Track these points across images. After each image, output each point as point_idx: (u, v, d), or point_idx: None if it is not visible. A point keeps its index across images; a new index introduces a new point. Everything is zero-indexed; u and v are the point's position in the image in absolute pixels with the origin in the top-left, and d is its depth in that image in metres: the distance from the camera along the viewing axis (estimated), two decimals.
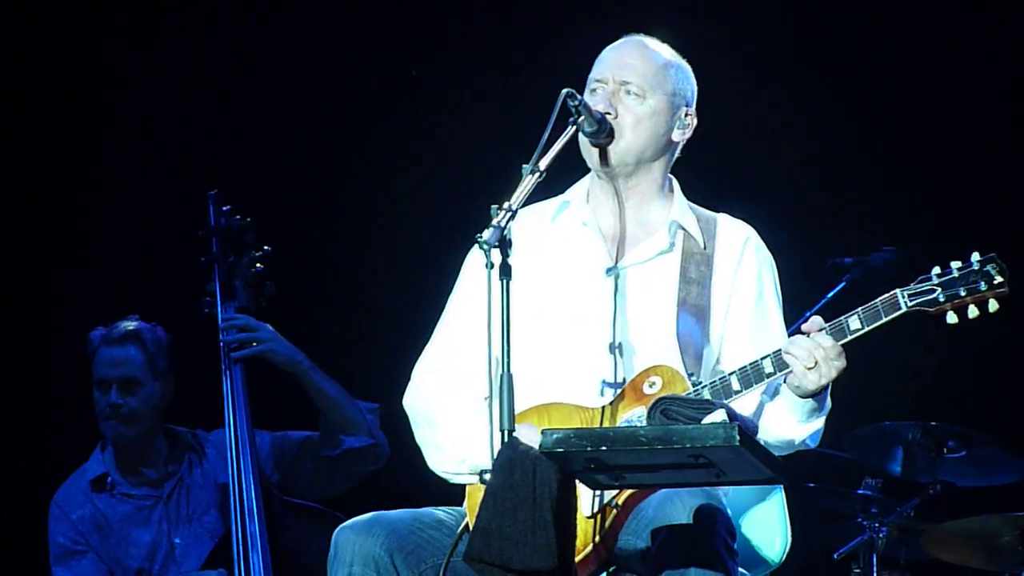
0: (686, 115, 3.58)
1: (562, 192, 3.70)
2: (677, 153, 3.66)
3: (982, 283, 3.19)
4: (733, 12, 6.10)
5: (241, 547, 4.76)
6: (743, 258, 3.58)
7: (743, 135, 5.65)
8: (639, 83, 3.52)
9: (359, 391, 5.06)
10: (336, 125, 6.10)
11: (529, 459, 3.01)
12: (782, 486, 3.58)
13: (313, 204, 5.94)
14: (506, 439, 3.08)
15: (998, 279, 3.19)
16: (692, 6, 6.06)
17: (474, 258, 3.65)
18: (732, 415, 3.21)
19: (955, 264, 3.23)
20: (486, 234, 3.14)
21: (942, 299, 3.20)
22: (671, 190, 3.64)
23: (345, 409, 4.98)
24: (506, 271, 3.17)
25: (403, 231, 5.94)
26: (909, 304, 3.21)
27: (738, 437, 2.95)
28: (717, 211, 3.68)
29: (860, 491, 5.29)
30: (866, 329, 3.25)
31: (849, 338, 3.23)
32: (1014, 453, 5.22)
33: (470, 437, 3.50)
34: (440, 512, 3.52)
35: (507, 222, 3.14)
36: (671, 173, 3.68)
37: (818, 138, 6.04)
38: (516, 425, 3.29)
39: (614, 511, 3.33)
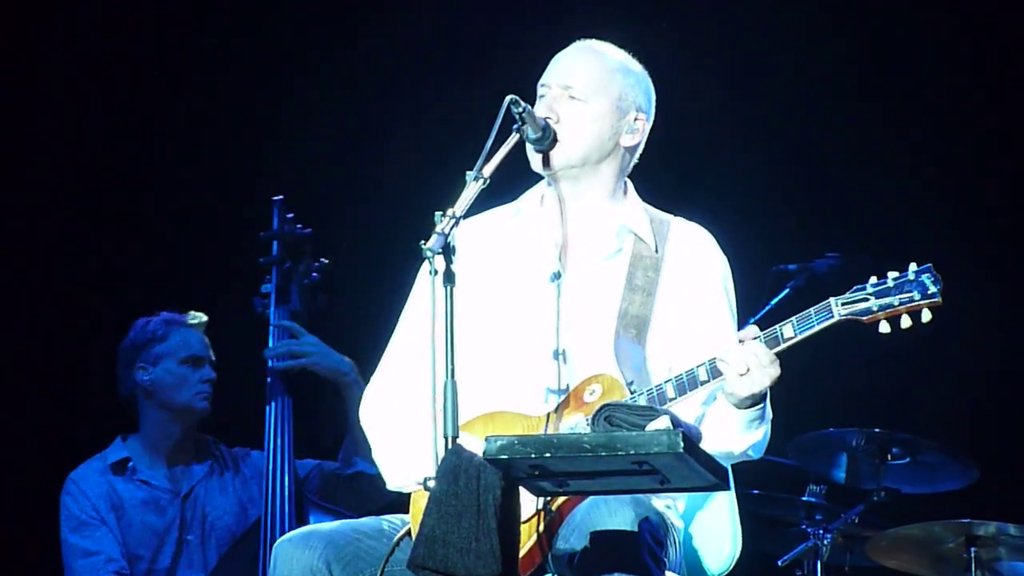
0: (635, 119, 3.54)
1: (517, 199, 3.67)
2: (633, 158, 3.64)
3: (916, 293, 3.19)
4: (685, 15, 6.07)
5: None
6: (695, 261, 3.57)
7: (693, 140, 5.64)
8: (581, 87, 3.50)
9: None
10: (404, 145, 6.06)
11: (473, 466, 2.98)
12: (734, 495, 3.59)
13: (375, 222, 5.98)
14: (450, 446, 3.06)
15: (932, 289, 3.20)
16: (645, 9, 6.04)
17: (426, 269, 3.59)
18: (676, 422, 3.17)
19: (892, 274, 3.24)
20: (430, 241, 3.12)
21: (875, 308, 3.20)
22: (625, 193, 3.62)
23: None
24: (450, 278, 3.14)
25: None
26: (842, 313, 3.22)
27: (682, 444, 2.93)
28: (675, 214, 3.66)
29: (804, 498, 5.30)
30: (799, 337, 3.24)
31: (783, 346, 3.24)
32: (958, 459, 5.24)
33: (414, 452, 3.47)
34: (383, 522, 3.51)
35: (451, 229, 3.13)
36: (629, 177, 3.63)
37: (767, 145, 6.06)
38: (460, 433, 3.25)
39: (549, 516, 3.32)
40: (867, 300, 3.21)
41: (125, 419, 5.12)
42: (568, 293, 3.50)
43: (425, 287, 3.47)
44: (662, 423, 3.13)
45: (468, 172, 3.24)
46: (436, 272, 3.13)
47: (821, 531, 5.22)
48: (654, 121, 3.68)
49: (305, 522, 4.74)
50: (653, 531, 3.23)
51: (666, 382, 3.33)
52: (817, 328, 3.23)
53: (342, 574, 3.36)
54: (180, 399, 5.01)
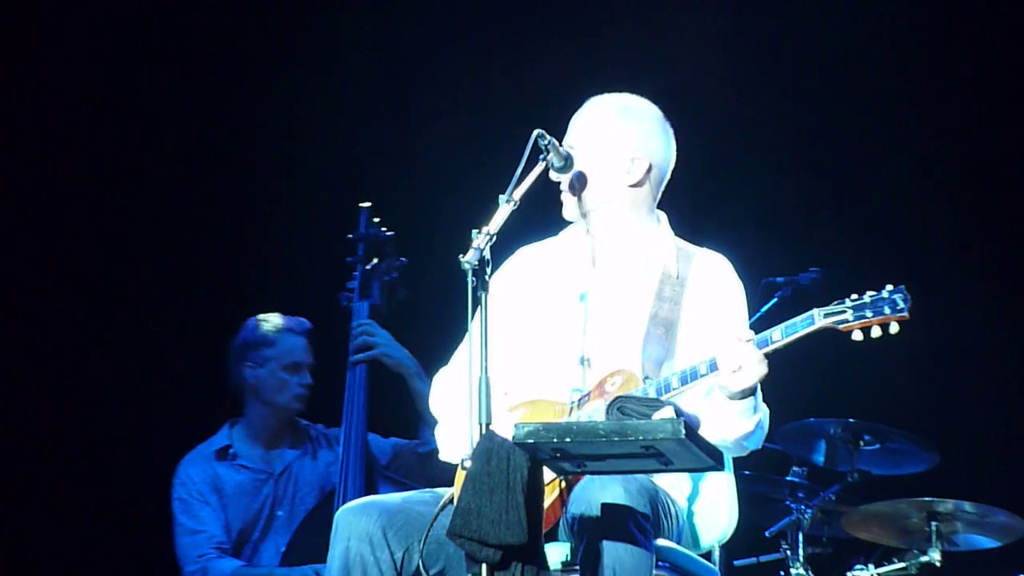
0: (633, 160, 3.53)
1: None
2: (649, 192, 3.60)
3: (887, 308, 3.20)
4: (669, 36, 5.95)
5: None
6: (714, 282, 3.58)
7: (700, 166, 5.56)
8: (580, 146, 3.54)
9: None
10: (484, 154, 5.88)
11: (504, 449, 3.00)
12: (733, 476, 3.59)
13: (452, 227, 5.88)
14: (484, 432, 3.06)
15: (901, 305, 3.21)
16: (630, 30, 5.98)
17: (504, 270, 3.69)
18: (679, 412, 3.17)
19: (869, 292, 3.25)
20: (468, 255, 3.13)
21: (851, 319, 3.21)
22: (657, 223, 3.62)
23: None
24: (484, 286, 3.15)
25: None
26: (823, 322, 3.23)
27: (683, 431, 2.94)
28: (701, 246, 3.67)
29: (788, 478, 5.29)
30: (785, 341, 3.25)
31: (771, 347, 3.24)
32: (921, 446, 5.22)
33: (462, 432, 3.43)
34: (429, 493, 3.51)
35: (486, 244, 3.13)
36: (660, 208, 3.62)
37: (762, 172, 5.99)
38: (507, 414, 3.35)
39: (560, 490, 3.35)
40: (845, 312, 3.23)
41: (233, 405, 5.07)
42: (595, 309, 3.53)
43: (495, 293, 3.52)
44: (667, 413, 3.14)
45: (501, 195, 3.24)
46: (475, 282, 3.13)
47: (803, 507, 5.21)
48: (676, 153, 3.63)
49: (374, 492, 4.71)
50: (641, 504, 3.25)
51: (672, 375, 3.33)
52: (801, 333, 3.24)
53: (394, 538, 3.35)
54: (280, 400, 4.95)
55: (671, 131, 3.64)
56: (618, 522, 3.22)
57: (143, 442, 5.46)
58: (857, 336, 3.24)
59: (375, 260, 4.88)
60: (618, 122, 3.56)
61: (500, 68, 6.06)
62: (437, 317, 5.03)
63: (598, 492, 3.20)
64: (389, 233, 4.88)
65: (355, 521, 3.38)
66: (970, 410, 5.80)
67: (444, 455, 3.61)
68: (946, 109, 6.07)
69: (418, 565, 3.34)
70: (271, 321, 4.98)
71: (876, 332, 3.23)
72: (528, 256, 3.64)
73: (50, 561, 5.63)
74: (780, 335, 3.24)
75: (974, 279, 5.92)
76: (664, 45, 5.92)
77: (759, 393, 3.36)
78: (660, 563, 3.36)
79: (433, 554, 3.35)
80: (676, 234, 3.65)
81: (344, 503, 4.46)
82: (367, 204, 4.88)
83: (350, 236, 4.89)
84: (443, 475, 4.61)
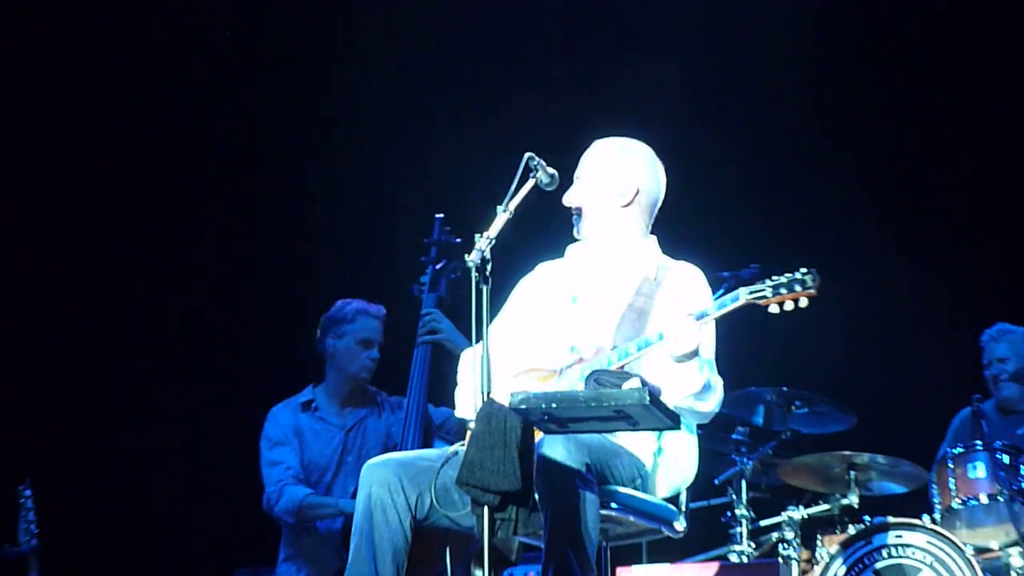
0: (624, 187, 3.63)
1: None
2: (641, 216, 3.66)
3: (797, 286, 3.29)
4: (625, 42, 6.10)
5: None
6: (684, 284, 3.64)
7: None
8: (585, 176, 3.69)
9: None
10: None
11: (502, 412, 3.12)
12: (695, 436, 3.62)
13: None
14: (485, 399, 3.19)
15: (810, 283, 3.29)
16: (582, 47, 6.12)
17: (521, 284, 3.79)
18: (643, 382, 3.27)
19: (786, 274, 3.34)
20: (471, 256, 3.23)
21: (769, 295, 3.30)
22: (645, 241, 3.68)
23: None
24: (485, 280, 3.23)
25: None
26: (746, 298, 3.31)
27: (648, 398, 3.06)
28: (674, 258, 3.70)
29: (734, 436, 5.31)
30: (718, 313, 3.33)
31: (706, 319, 3.33)
32: (841, 409, 5.23)
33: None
34: (435, 451, 3.59)
35: (487, 246, 3.25)
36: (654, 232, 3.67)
37: (713, 180, 6.08)
38: (513, 379, 3.48)
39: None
40: (764, 290, 3.31)
41: (317, 369, 5.15)
42: (583, 308, 3.66)
43: (520, 290, 3.75)
44: (634, 383, 3.24)
45: (499, 207, 3.35)
46: (479, 277, 3.22)
47: (745, 459, 5.23)
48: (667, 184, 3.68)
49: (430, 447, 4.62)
50: (577, 457, 3.29)
51: (630, 343, 3.43)
52: (730, 307, 3.33)
53: (409, 485, 3.43)
54: (351, 369, 5.02)
55: (661, 166, 3.70)
56: (559, 471, 3.29)
57: (248, 394, 5.56)
58: (774, 309, 3.31)
59: (444, 261, 4.89)
60: (616, 158, 3.66)
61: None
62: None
63: (547, 450, 3.27)
64: (457, 240, 4.90)
65: (376, 472, 3.44)
66: (882, 380, 5.89)
67: (458, 413, 3.72)
68: (865, 134, 6.16)
69: (430, 503, 3.42)
70: (353, 304, 5.06)
71: (789, 306, 3.30)
72: (542, 269, 3.79)
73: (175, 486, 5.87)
74: (714, 309, 3.32)
75: (884, 272, 6.00)
76: (633, 85, 6.04)
77: (714, 366, 3.44)
78: (612, 505, 3.42)
79: (441, 497, 3.41)
80: (664, 252, 3.71)
81: (409, 443, 4.66)
82: (441, 215, 4.96)
83: (425, 240, 4.94)
84: None
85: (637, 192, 3.63)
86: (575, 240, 3.74)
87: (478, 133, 6.17)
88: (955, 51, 5.97)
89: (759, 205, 6.20)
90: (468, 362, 3.74)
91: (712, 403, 3.45)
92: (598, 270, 3.70)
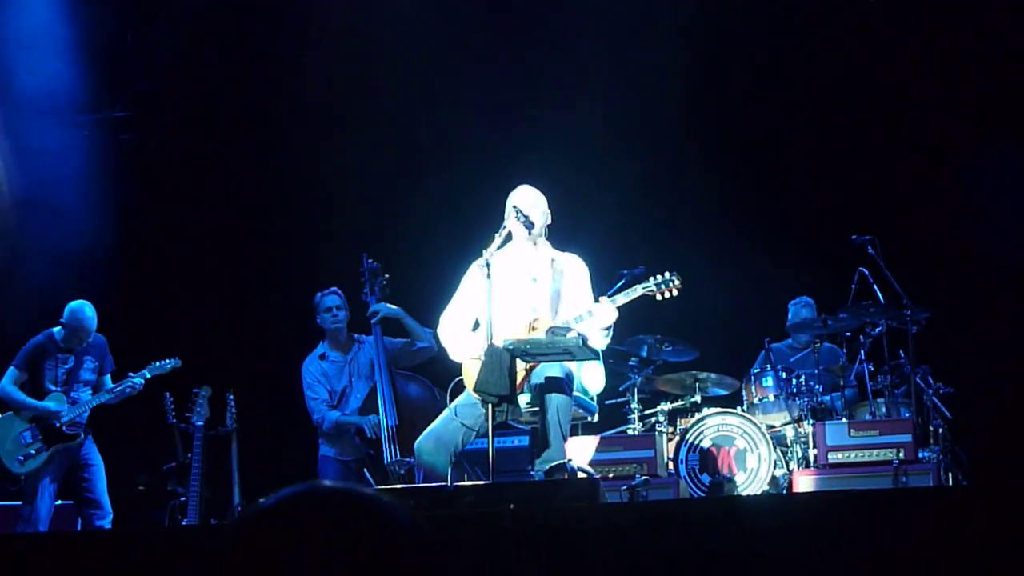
0: (545, 212, 4.26)
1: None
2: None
3: (669, 284, 4.01)
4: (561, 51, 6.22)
5: (383, 395, 5.40)
6: (575, 267, 4.16)
7: (574, 196, 5.55)
8: (529, 206, 4.22)
9: (425, 322, 5.38)
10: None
11: (499, 350, 3.83)
12: (602, 361, 4.29)
13: (410, 259, 6.15)
14: (488, 345, 3.85)
15: (677, 281, 3.98)
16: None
17: (471, 269, 4.23)
18: (580, 335, 3.94)
19: (666, 274, 3.99)
20: (481, 260, 3.93)
21: (653, 289, 3.99)
22: (547, 239, 4.28)
23: (419, 333, 5.49)
24: (489, 276, 3.90)
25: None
26: (640, 292, 3.96)
27: (581, 343, 3.85)
28: (564, 251, 4.28)
29: (630, 363, 5.78)
30: (625, 300, 3.94)
31: (618, 304, 3.93)
32: (691, 347, 5.84)
33: (467, 345, 4.19)
34: (450, 411, 4.11)
35: (491, 255, 3.92)
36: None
37: (613, 194, 6.35)
38: (502, 335, 3.93)
39: (526, 370, 4.04)
40: (651, 287, 3.98)
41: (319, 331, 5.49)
42: (537, 285, 4.20)
43: (470, 276, 4.25)
44: (573, 335, 3.94)
45: (495, 232, 3.98)
46: (489, 276, 3.87)
47: (636, 376, 5.78)
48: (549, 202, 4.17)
49: (392, 376, 5.30)
50: (566, 374, 3.92)
51: (573, 318, 4.01)
52: (633, 296, 3.97)
53: (444, 452, 4.00)
54: (328, 328, 5.60)
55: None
56: (556, 383, 3.86)
57: (288, 353, 5.86)
58: (658, 297, 3.98)
59: (378, 278, 5.41)
60: (540, 194, 4.29)
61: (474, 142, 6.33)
62: (402, 297, 5.56)
63: (547, 370, 3.90)
64: (376, 264, 5.44)
65: (426, 444, 4.03)
66: (718, 329, 6.29)
67: (454, 357, 4.19)
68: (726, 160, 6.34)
69: (461, 439, 3.93)
70: (321, 293, 5.62)
71: (665, 295, 3.99)
72: (499, 257, 4.08)
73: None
74: (623, 298, 3.95)
75: (723, 264, 6.39)
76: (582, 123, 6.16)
77: (611, 329, 4.05)
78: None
79: (462, 438, 3.94)
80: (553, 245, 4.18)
81: (383, 389, 5.21)
82: (368, 258, 5.44)
83: (360, 268, 5.47)
84: (427, 367, 5.34)
85: (547, 213, 4.29)
86: (492, 241, 4.08)
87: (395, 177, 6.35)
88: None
89: (638, 219, 6.50)
90: (450, 324, 4.19)
91: (606, 343, 4.06)
92: (539, 260, 4.17)
